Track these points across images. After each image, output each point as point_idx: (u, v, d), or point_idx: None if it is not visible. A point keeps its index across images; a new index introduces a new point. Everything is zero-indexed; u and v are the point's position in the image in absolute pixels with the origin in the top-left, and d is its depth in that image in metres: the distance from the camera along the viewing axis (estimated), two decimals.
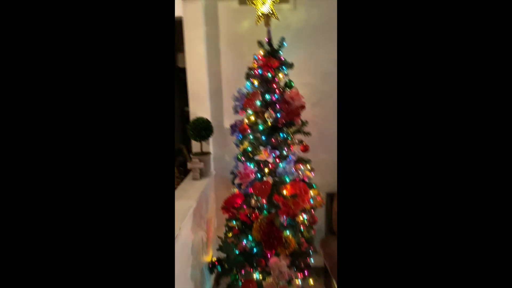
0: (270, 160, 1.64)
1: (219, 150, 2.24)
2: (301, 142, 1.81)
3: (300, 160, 1.80)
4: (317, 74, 2.08)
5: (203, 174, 2.02)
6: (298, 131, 1.78)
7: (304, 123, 1.78)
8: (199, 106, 2.08)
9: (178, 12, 1.91)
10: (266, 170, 1.66)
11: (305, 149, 1.80)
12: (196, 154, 2.03)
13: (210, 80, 2.12)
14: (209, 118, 2.16)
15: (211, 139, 2.18)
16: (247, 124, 1.68)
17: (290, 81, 1.72)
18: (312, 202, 1.81)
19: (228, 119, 2.15)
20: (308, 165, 1.82)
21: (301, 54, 2.05)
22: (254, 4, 1.66)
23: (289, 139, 1.69)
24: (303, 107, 1.62)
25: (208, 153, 2.06)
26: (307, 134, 1.78)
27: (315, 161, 2.16)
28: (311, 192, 1.79)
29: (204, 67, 2.04)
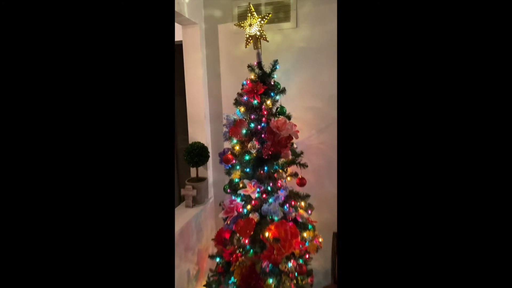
0: (254, 195, 1.47)
1: (219, 175, 2.14)
2: (296, 175, 1.60)
3: (293, 196, 1.59)
4: (323, 97, 1.85)
5: (197, 201, 1.93)
6: (293, 162, 1.57)
7: (298, 155, 1.57)
8: (198, 130, 2.03)
9: (178, 37, 1.91)
10: (249, 206, 1.50)
11: (301, 183, 1.58)
12: (191, 180, 1.96)
13: (211, 103, 2.06)
14: (209, 142, 2.10)
15: (210, 163, 2.10)
16: (232, 154, 1.55)
17: (282, 107, 1.55)
18: (307, 245, 1.57)
19: (229, 143, 2.05)
20: (303, 202, 1.59)
21: (304, 75, 1.85)
22: (242, 27, 1.55)
23: (278, 172, 1.50)
24: (290, 138, 1.43)
25: (203, 179, 1.98)
26: (303, 166, 1.56)
27: (321, 195, 1.91)
28: (305, 235, 1.56)
29: (204, 91, 2.00)
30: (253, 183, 1.50)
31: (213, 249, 2.08)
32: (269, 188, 1.49)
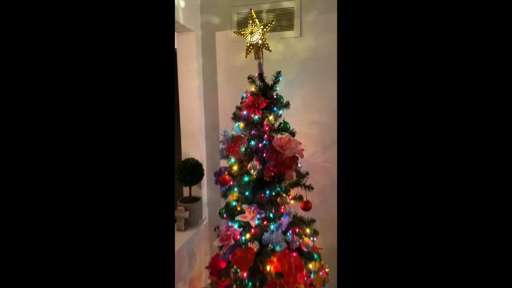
0: (254, 222, 1.30)
1: (214, 193, 1.96)
2: (300, 198, 1.44)
3: (297, 222, 1.42)
4: (328, 111, 1.70)
5: (189, 224, 1.75)
6: (297, 184, 1.41)
7: (303, 175, 1.41)
8: (192, 145, 1.87)
9: None
10: (248, 235, 1.32)
11: (306, 207, 1.42)
12: (183, 200, 1.78)
13: (207, 116, 1.91)
14: (204, 159, 1.93)
15: (205, 181, 1.93)
16: (229, 174, 1.38)
17: (285, 123, 1.40)
18: (313, 277, 1.40)
19: (225, 161, 1.89)
20: (308, 229, 1.42)
21: (308, 87, 1.71)
22: (242, 35, 1.41)
23: (281, 196, 1.33)
24: (295, 158, 1.27)
25: (197, 199, 1.80)
26: (308, 188, 1.40)
27: (326, 218, 1.74)
28: (311, 266, 1.38)
29: (199, 103, 1.84)
30: (252, 208, 1.33)
31: (206, 277, 1.88)
32: (271, 215, 1.32)
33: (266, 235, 1.31)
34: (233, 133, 1.46)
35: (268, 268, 1.26)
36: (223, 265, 1.47)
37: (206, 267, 1.58)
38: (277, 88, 1.44)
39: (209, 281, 1.58)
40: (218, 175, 1.47)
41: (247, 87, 1.51)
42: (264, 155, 1.31)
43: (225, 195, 1.44)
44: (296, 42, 1.68)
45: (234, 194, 1.47)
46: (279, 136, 1.35)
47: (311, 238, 1.45)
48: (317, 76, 1.69)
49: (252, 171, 1.28)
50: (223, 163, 1.86)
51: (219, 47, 1.82)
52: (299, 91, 1.73)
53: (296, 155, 1.30)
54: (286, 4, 1.65)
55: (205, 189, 1.97)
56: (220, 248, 1.45)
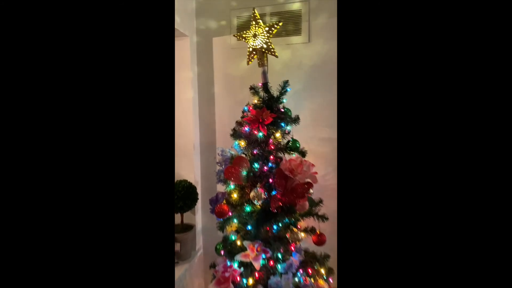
0: (258, 264, 1.06)
1: (210, 219, 1.72)
2: (313, 230, 1.21)
3: (310, 261, 1.18)
4: None
5: (181, 257, 1.50)
6: (310, 213, 1.18)
7: (316, 203, 1.18)
8: (185, 165, 1.64)
9: None
10: (251, 280, 1.08)
11: (320, 240, 1.18)
12: (174, 229, 1.53)
13: (202, 132, 1.69)
14: (198, 180, 1.70)
15: (199, 206, 1.69)
16: (227, 203, 1.15)
17: (294, 141, 1.18)
18: None
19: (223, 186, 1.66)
20: (323, 269, 1.18)
21: (318, 99, 1.51)
22: (244, 39, 1.21)
23: (291, 231, 1.10)
24: (309, 185, 1.04)
25: (190, 228, 1.55)
26: (322, 218, 1.17)
27: None
28: None
29: (193, 117, 1.63)
30: (256, 245, 1.09)
31: None
32: (278, 255, 1.08)
33: (273, 280, 1.06)
34: (233, 152, 1.24)
35: None
36: None
37: None
38: (284, 100, 1.23)
39: None
40: (215, 203, 1.23)
41: (249, 98, 1.30)
42: (271, 180, 1.09)
43: (222, 227, 1.20)
44: (304, 48, 1.49)
45: (233, 225, 1.23)
46: (287, 156, 1.13)
47: (325, 278, 1.21)
48: (328, 87, 1.48)
49: (256, 200, 1.05)
50: (221, 186, 1.62)
51: (216, 54, 1.63)
52: (307, 104, 1.53)
53: (309, 180, 1.08)
54: (293, 6, 1.47)
55: (200, 215, 1.73)
56: None
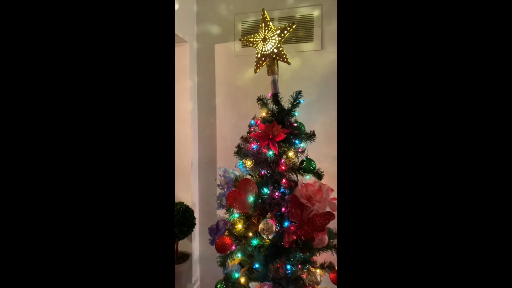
0: None
1: (209, 247, 1.52)
2: (331, 266, 1.02)
3: None
4: None
5: None
6: (328, 247, 1.00)
7: (335, 235, 1.00)
8: (181, 185, 1.46)
9: None
10: None
11: None
12: None
13: (201, 149, 1.52)
14: (196, 202, 1.51)
15: (197, 231, 1.50)
16: (230, 234, 0.96)
17: (309, 160, 1.01)
18: None
19: (225, 213, 1.47)
20: None
21: (332, 112, 1.35)
22: (251, 43, 1.07)
23: (308, 270, 0.91)
24: (330, 216, 0.86)
25: (186, 257, 1.36)
26: None
27: None
28: None
29: (192, 131, 1.46)
30: (265, 287, 0.89)
31: None
32: None
33: None
34: (237, 173, 1.07)
35: None
36: None
37: None
38: (296, 113, 1.07)
39: None
40: (215, 234, 1.05)
41: (255, 111, 1.14)
42: (283, 209, 0.91)
43: (223, 263, 1.01)
44: (316, 56, 1.35)
45: (237, 258, 1.04)
46: (301, 179, 0.95)
47: None
48: None
49: (265, 234, 0.86)
50: (222, 212, 1.43)
51: (218, 62, 1.48)
52: (320, 117, 1.37)
53: (329, 209, 0.90)
54: (304, 11, 1.33)
55: (197, 241, 1.53)
56: None
